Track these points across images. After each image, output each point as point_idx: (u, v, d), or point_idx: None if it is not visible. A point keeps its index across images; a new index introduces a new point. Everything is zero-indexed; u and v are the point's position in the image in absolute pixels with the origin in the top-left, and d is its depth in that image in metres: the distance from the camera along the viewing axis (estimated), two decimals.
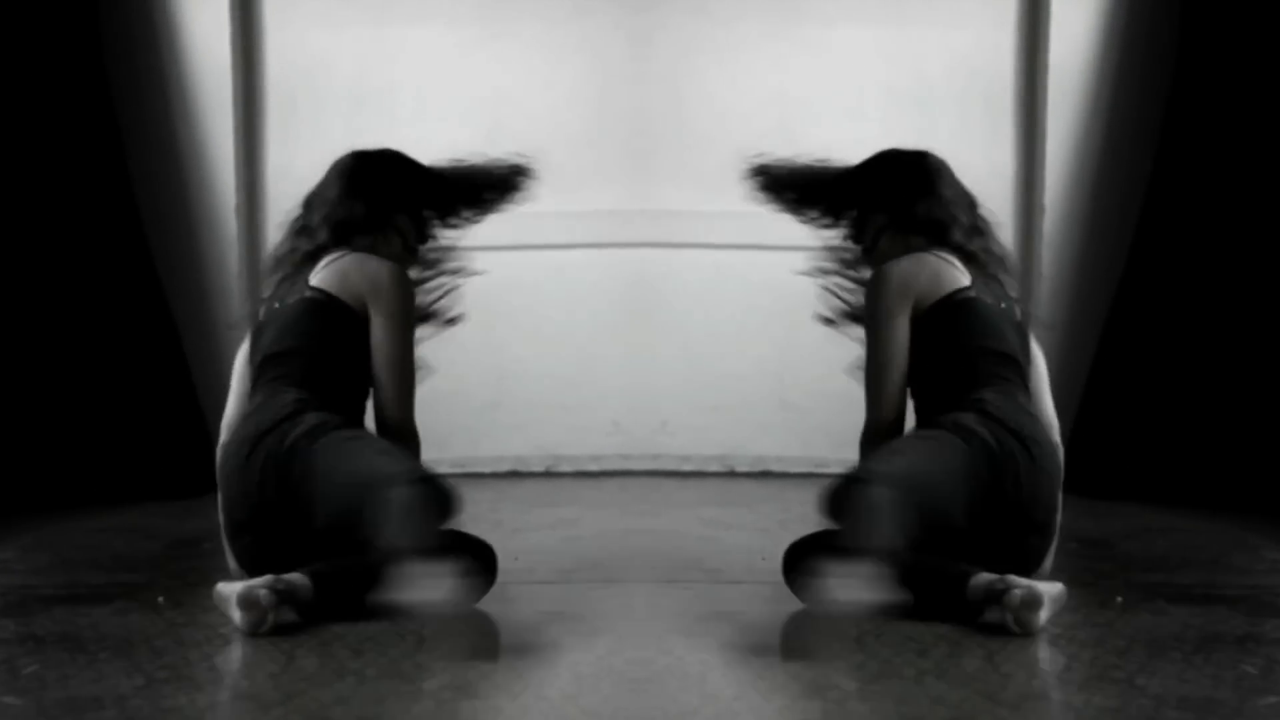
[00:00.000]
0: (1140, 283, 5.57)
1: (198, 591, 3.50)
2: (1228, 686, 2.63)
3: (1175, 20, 5.55)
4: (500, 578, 3.50)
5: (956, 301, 3.51)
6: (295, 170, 5.81)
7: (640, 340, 5.71)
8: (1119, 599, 3.37)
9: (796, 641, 3.30)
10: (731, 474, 5.84)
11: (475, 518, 4.83)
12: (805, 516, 4.83)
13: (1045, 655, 2.94)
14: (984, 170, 5.78)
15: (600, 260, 5.53)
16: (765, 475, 5.67)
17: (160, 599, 3.41)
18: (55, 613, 3.32)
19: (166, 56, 5.69)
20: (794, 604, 3.42)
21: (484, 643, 3.20)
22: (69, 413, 5.41)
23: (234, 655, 2.93)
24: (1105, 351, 5.65)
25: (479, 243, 5.04)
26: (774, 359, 5.07)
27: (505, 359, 5.40)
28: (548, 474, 5.90)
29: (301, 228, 3.67)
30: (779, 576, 3.51)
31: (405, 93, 5.71)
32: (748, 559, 4.18)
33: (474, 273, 3.71)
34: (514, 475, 5.62)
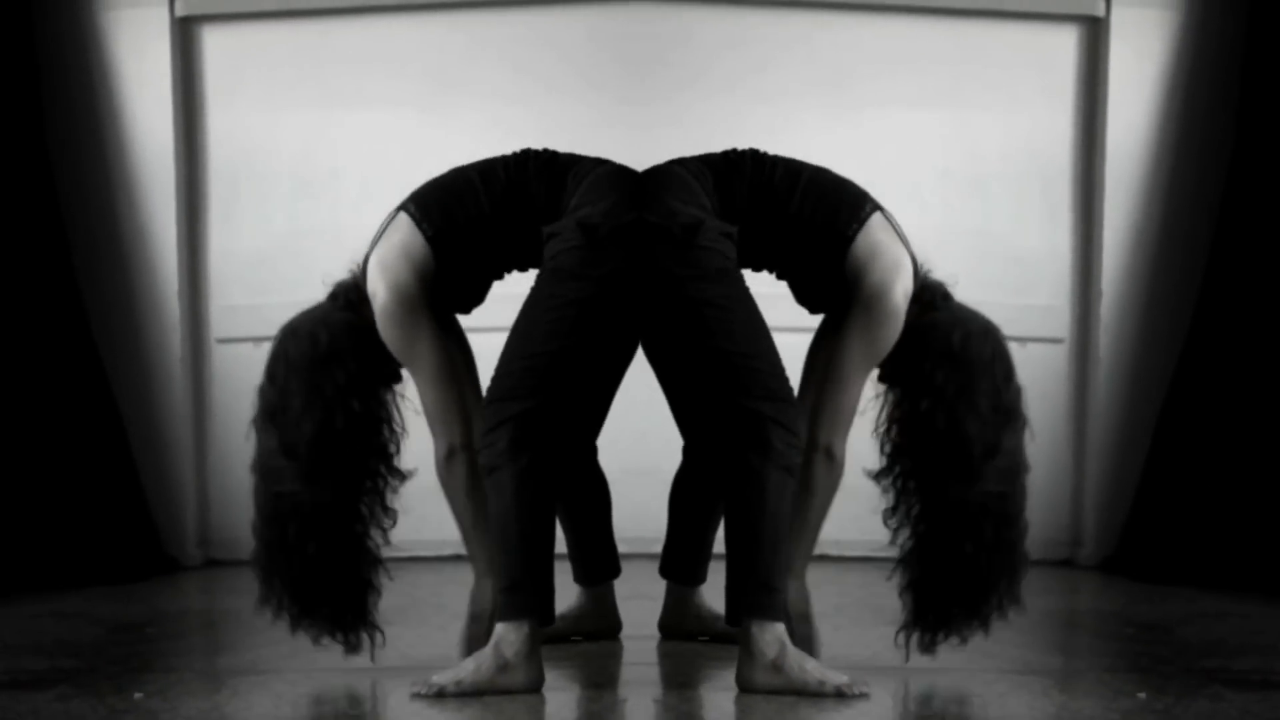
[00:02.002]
0: (1198, 366, 5.59)
1: (140, 678, 3.49)
2: None
3: (1233, 104, 5.63)
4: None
5: None
6: (238, 253, 5.85)
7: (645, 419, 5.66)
8: (1141, 695, 3.32)
9: None
10: None
11: (417, 601, 4.84)
12: (863, 600, 4.86)
13: None
14: (1042, 253, 5.90)
15: None
16: (822, 559, 5.67)
17: (137, 695, 3.37)
18: None
19: (109, 139, 5.71)
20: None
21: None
22: (9, 497, 5.37)
23: None
24: (1162, 434, 5.66)
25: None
26: None
27: None
28: None
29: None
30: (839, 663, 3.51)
31: (349, 177, 5.71)
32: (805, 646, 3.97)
33: None
34: (457, 559, 5.61)
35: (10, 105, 5.48)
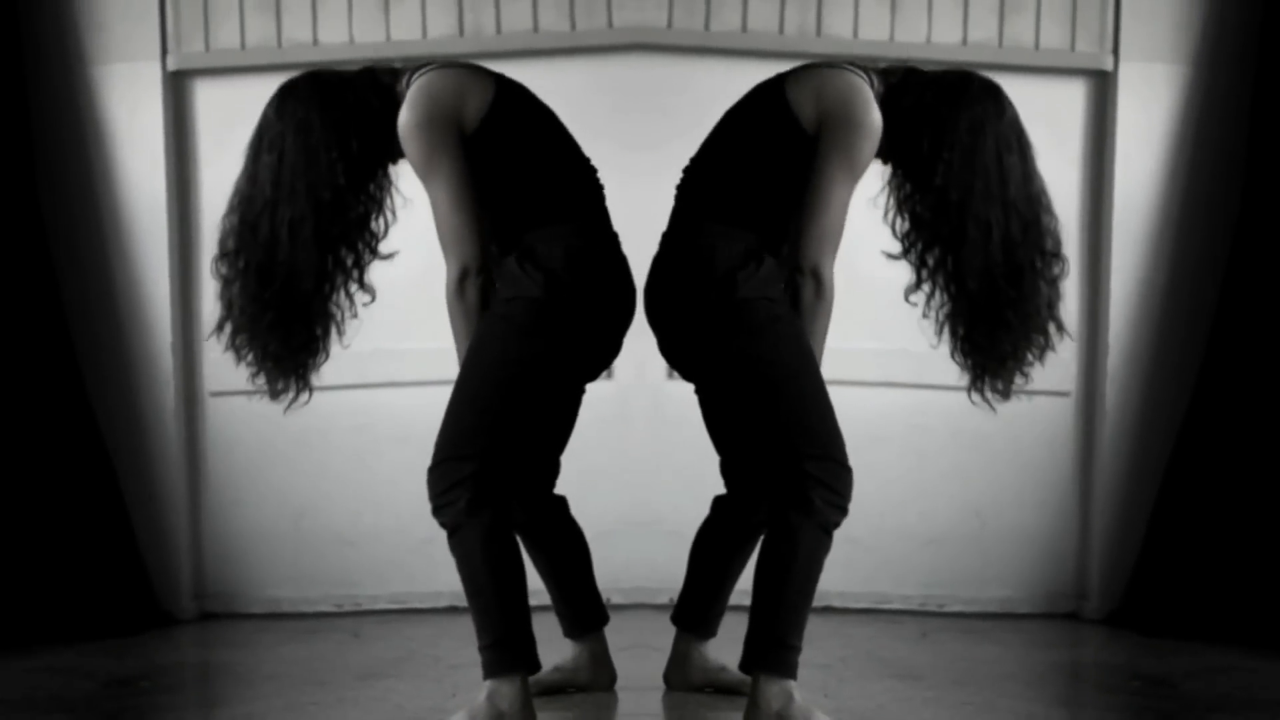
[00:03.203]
0: (1204, 420, 5.59)
1: None
2: None
3: (1241, 159, 5.64)
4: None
5: None
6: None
7: (645, 468, 5.65)
8: None
9: None
10: None
11: (413, 653, 4.83)
12: (869, 652, 4.85)
13: None
14: None
15: None
16: (827, 610, 5.66)
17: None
18: None
19: (101, 192, 5.71)
20: None
21: None
22: (2, 551, 5.36)
23: None
24: (1169, 487, 5.66)
25: (432, 376, 5.07)
26: None
27: None
28: None
29: None
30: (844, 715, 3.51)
31: None
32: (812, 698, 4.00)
33: None
34: (451, 610, 5.60)
35: (2, 160, 5.49)
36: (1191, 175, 5.77)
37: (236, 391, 5.74)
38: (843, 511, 3.52)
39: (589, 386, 3.83)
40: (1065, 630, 5.62)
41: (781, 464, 3.48)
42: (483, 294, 3.59)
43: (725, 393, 3.57)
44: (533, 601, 3.57)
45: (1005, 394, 3.75)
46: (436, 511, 3.52)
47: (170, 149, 5.77)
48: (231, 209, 3.67)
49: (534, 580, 3.77)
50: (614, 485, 5.40)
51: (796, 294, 3.60)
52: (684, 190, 3.72)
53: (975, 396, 3.76)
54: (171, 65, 5.76)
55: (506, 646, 3.49)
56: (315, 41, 5.73)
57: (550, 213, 3.59)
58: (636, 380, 5.46)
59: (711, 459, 3.97)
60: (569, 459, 4.00)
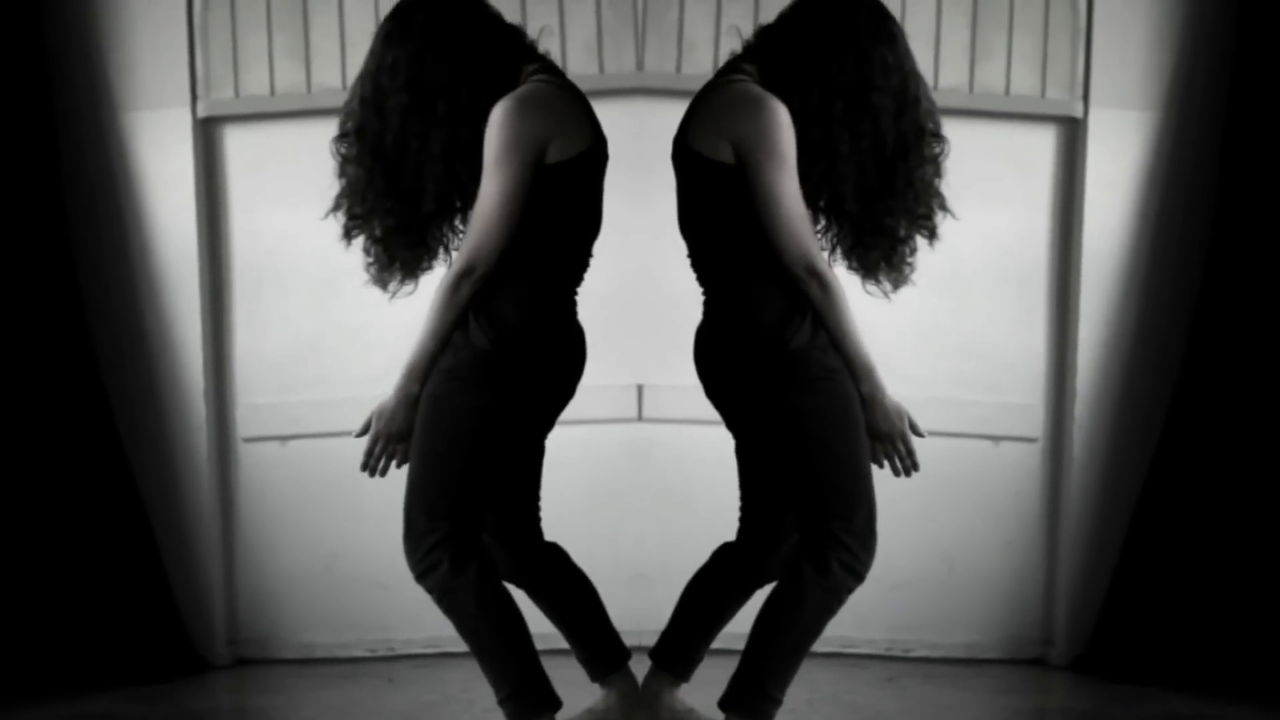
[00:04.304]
0: (1172, 467, 5.59)
1: None
2: None
3: (1210, 207, 5.64)
4: None
5: None
6: (263, 352, 5.86)
7: (626, 516, 5.67)
8: None
9: None
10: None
11: (448, 698, 4.82)
12: (834, 697, 4.85)
13: None
14: (1017, 352, 5.90)
15: (579, 436, 5.43)
16: None
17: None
18: None
19: (132, 240, 5.72)
20: None
21: None
22: (38, 598, 5.38)
23: None
24: (1135, 533, 5.65)
25: None
26: None
27: None
28: None
29: None
30: None
31: None
32: None
33: None
34: None
35: (34, 208, 5.52)
36: (1161, 222, 5.75)
37: (269, 437, 5.79)
38: (858, 579, 3.51)
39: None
40: (1031, 676, 5.64)
41: (808, 519, 3.48)
42: (472, 298, 3.54)
43: (766, 442, 3.56)
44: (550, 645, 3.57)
45: (897, 283, 3.69)
46: (421, 579, 3.52)
47: (200, 195, 5.78)
48: (356, 97, 3.61)
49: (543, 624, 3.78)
50: (615, 537, 5.43)
51: (808, 300, 3.57)
52: (693, 258, 3.72)
53: (870, 286, 3.70)
54: (201, 111, 5.78)
55: (527, 691, 3.50)
56: (344, 86, 5.74)
57: (528, 275, 3.57)
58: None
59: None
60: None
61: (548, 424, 3.71)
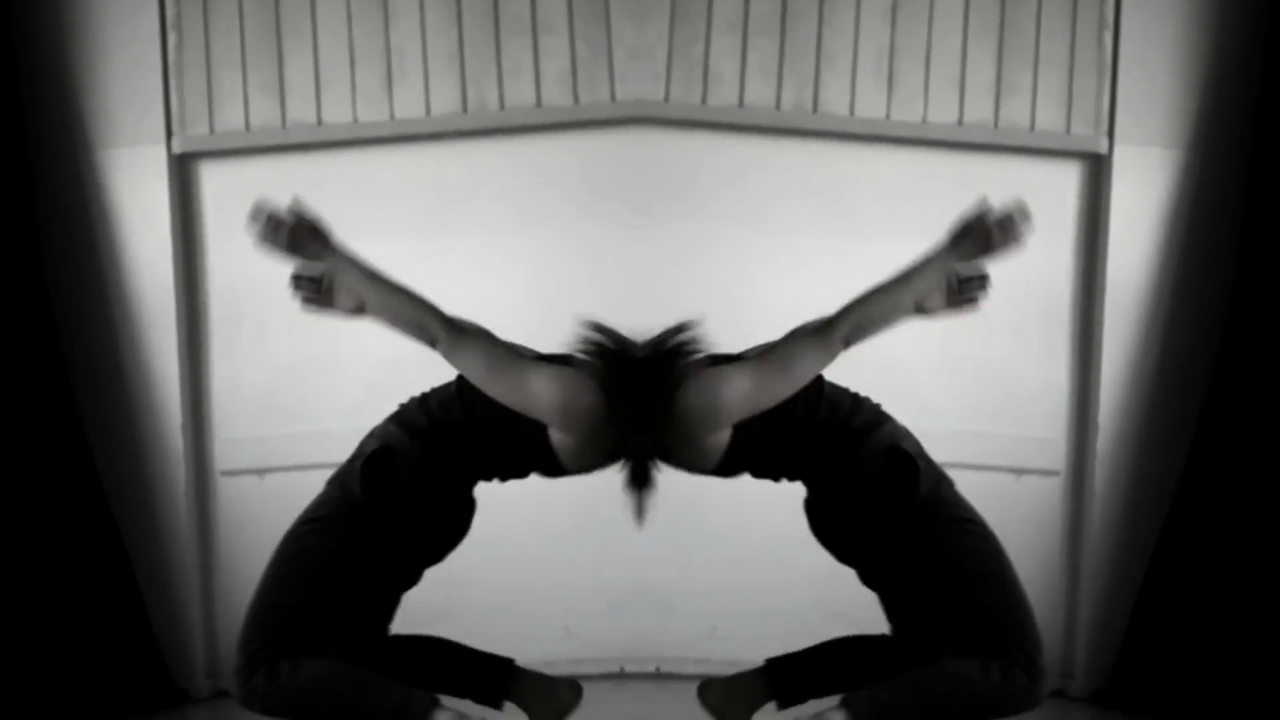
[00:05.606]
0: (1194, 501, 5.59)
1: None
2: None
3: (1234, 243, 5.63)
4: None
5: None
6: (240, 387, 5.87)
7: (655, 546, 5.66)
8: None
9: None
10: None
11: None
12: None
13: None
14: (1039, 386, 5.89)
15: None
16: None
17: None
18: None
19: (109, 275, 5.73)
20: None
21: None
22: (15, 634, 5.37)
23: None
24: (1157, 567, 5.66)
25: None
26: (823, 566, 5.02)
27: (453, 567, 5.37)
28: None
29: None
30: None
31: None
32: None
33: None
34: None
35: (10, 245, 5.52)
36: (1184, 259, 5.76)
37: (247, 470, 5.79)
38: (1020, 691, 3.66)
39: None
40: (1051, 708, 5.59)
41: (989, 647, 3.61)
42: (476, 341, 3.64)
43: (920, 586, 3.65)
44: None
45: None
46: (246, 702, 3.63)
47: (177, 231, 5.81)
48: None
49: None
50: (620, 552, 5.41)
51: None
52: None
53: None
54: (177, 148, 5.81)
55: (413, 707, 3.52)
56: (320, 122, 5.78)
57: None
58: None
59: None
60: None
61: (408, 579, 3.77)
